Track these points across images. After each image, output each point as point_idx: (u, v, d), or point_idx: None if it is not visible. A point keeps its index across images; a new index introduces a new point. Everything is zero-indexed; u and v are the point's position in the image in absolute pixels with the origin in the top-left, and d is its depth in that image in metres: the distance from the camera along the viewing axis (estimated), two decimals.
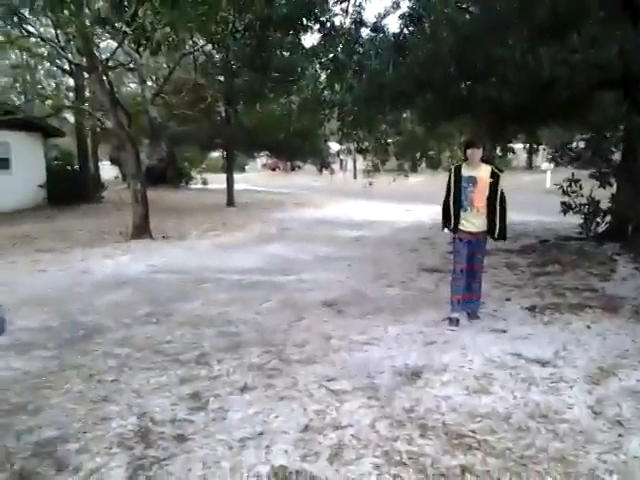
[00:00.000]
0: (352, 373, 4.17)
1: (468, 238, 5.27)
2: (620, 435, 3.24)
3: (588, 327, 5.19)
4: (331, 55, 7.30)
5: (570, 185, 7.56)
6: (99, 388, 3.96)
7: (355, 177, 37.86)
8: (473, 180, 5.17)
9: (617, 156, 8.65)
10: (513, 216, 13.84)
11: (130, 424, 3.42)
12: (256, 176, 45.08)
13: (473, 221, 5.24)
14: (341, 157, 43.82)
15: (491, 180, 5.19)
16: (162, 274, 7.93)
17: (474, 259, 5.35)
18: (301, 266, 8.45)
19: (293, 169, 47.11)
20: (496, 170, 5.27)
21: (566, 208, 7.61)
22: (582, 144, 7.86)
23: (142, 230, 11.30)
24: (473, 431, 3.29)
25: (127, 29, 5.97)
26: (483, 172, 5.22)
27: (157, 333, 5.19)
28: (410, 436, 3.23)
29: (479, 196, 5.18)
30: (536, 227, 11.84)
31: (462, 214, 5.23)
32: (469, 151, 5.21)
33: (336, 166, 44.96)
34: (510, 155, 11.03)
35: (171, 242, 11.16)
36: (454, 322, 5.27)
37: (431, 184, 29.70)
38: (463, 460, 2.98)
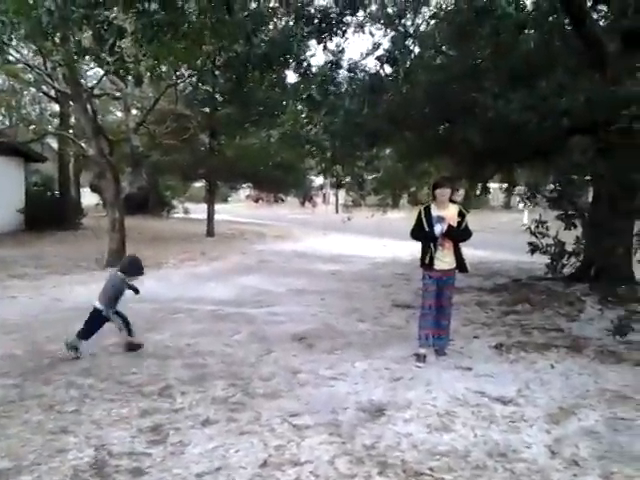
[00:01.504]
0: (316, 408, 4.17)
1: (438, 275, 5.38)
2: (575, 475, 3.28)
3: (552, 366, 5.26)
4: (307, 94, 7.47)
5: (537, 226, 7.74)
6: (58, 419, 3.91)
7: (337, 211, 38.10)
8: (442, 220, 5.29)
9: (587, 199, 8.92)
10: (489, 255, 14.14)
11: (86, 456, 3.38)
12: (239, 207, 45.23)
13: (443, 259, 5.36)
14: (324, 191, 44.23)
15: (459, 219, 5.33)
16: (134, 303, 7.86)
17: (443, 295, 5.44)
18: (275, 298, 8.47)
19: (276, 201, 47.29)
20: (463, 210, 5.44)
21: (533, 248, 7.77)
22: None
23: (118, 258, 11.18)
24: (431, 469, 3.30)
25: (109, 59, 6.07)
26: (451, 211, 5.37)
27: (123, 364, 5.14)
28: (369, 473, 3.24)
29: (448, 235, 5.33)
30: (510, 266, 12.01)
31: (431, 253, 5.36)
32: (438, 191, 5.35)
33: (319, 199, 45.32)
34: (485, 195, 11.19)
35: (146, 271, 11.03)
36: (421, 358, 5.32)
37: (410, 220, 29.93)
38: None
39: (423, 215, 5.40)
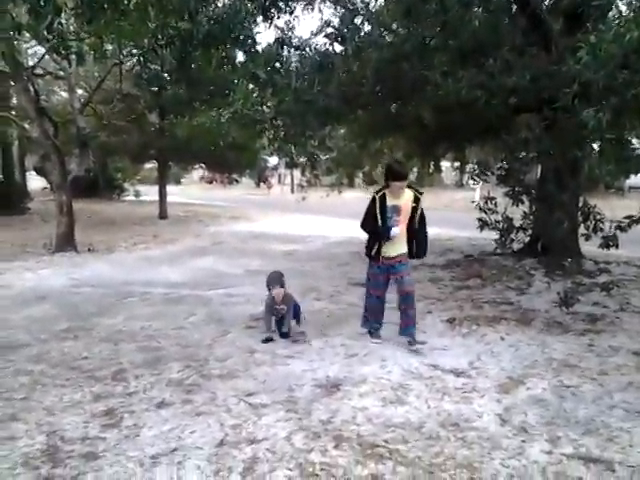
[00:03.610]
0: (272, 387, 4.19)
1: (389, 263, 5.15)
2: (523, 441, 3.40)
3: (502, 339, 5.43)
4: (252, 73, 7.35)
5: (486, 203, 7.91)
6: (7, 406, 3.81)
7: (293, 191, 38.00)
8: (397, 209, 5.03)
9: (535, 175, 9.16)
10: (441, 232, 14.38)
11: (38, 443, 3.32)
12: (192, 189, 44.53)
13: (394, 246, 5.12)
14: (279, 171, 43.98)
15: (414, 205, 5.08)
16: (85, 288, 7.71)
17: (403, 282, 5.12)
18: (231, 280, 8.41)
19: (230, 182, 46.79)
20: (417, 194, 5.13)
21: (482, 224, 7.95)
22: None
23: (67, 243, 10.94)
24: (386, 441, 3.37)
25: (48, 36, 5.79)
26: (406, 198, 5.07)
27: (74, 349, 5.03)
28: (325, 447, 3.28)
29: (402, 224, 5.08)
30: (462, 243, 12.24)
31: (383, 242, 5.11)
32: (397, 184, 4.97)
33: (274, 180, 45.06)
34: (438, 173, 11.37)
35: (97, 255, 10.85)
36: (376, 335, 5.35)
37: (366, 200, 30.14)
38: (374, 470, 3.05)
39: (378, 205, 5.04)
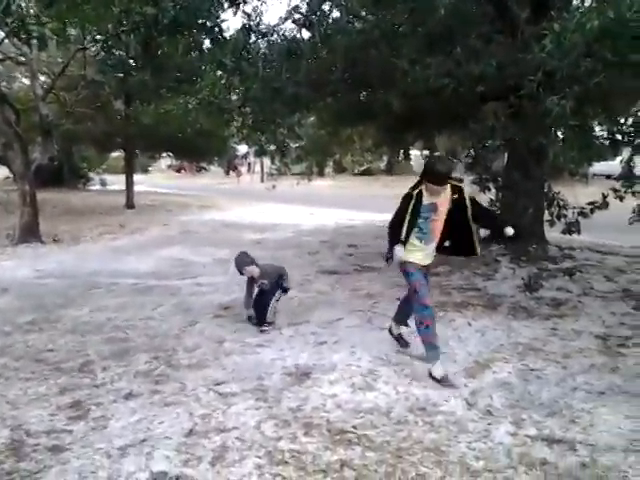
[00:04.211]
0: (242, 376, 4.19)
1: (424, 270, 4.35)
2: (489, 424, 3.47)
3: (469, 324, 5.51)
4: (218, 60, 7.25)
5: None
6: None
7: (262, 180, 37.81)
8: (434, 207, 4.15)
9: (501, 163, 9.27)
10: None
11: (2, 437, 3.26)
12: (160, 177, 43.95)
13: (428, 254, 4.31)
14: (248, 159, 43.62)
15: (455, 197, 4.21)
16: (50, 279, 7.56)
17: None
18: (200, 269, 8.35)
19: (199, 170, 46.28)
20: (456, 183, 4.27)
21: None
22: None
23: (31, 233, 10.69)
24: (355, 427, 3.40)
25: (7, 20, 5.59)
26: (445, 193, 4.18)
27: (39, 341, 4.94)
28: (294, 435, 3.30)
29: (439, 224, 4.23)
30: None
31: (418, 247, 4.21)
32: (437, 188, 4.08)
33: (243, 168, 44.70)
34: (407, 161, 11.43)
35: (63, 246, 10.65)
36: (447, 382, 4.05)
37: (337, 188, 30.34)
38: (343, 455, 3.08)
39: (412, 204, 4.11)
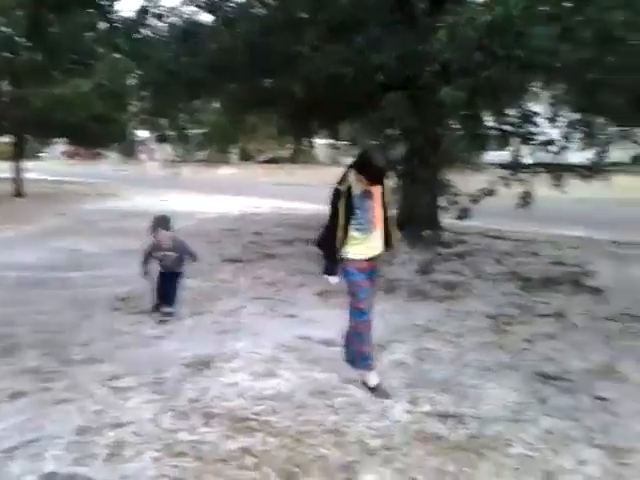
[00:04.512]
0: (139, 369, 4.06)
1: (369, 268, 3.87)
2: (387, 403, 3.59)
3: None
4: (112, 41, 6.94)
5: None
6: None
7: (165, 167, 36.65)
8: (369, 194, 3.73)
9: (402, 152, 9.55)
10: (318, 208, 14.58)
11: None
12: (54, 164, 41.47)
13: (374, 243, 3.83)
14: (149, 146, 42.10)
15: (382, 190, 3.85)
16: None
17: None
18: (97, 261, 8.00)
19: (96, 157, 44.09)
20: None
21: None
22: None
23: None
24: (256, 413, 3.40)
25: None
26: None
27: None
28: (193, 426, 3.25)
29: (378, 210, 3.81)
30: None
31: (359, 239, 3.75)
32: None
33: (144, 155, 43.08)
34: (311, 149, 11.48)
35: None
36: (380, 392, 3.72)
37: (241, 176, 30.03)
38: (244, 443, 3.07)
39: (344, 199, 3.66)
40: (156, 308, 5.29)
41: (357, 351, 3.87)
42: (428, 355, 4.43)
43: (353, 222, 3.70)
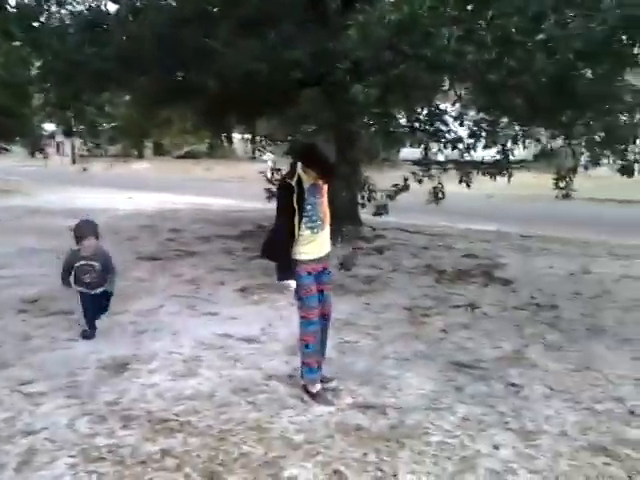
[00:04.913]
0: (52, 373, 3.88)
1: (319, 268, 3.67)
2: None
3: (292, 304, 5.66)
4: (3, 29, 6.53)
5: (273, 174, 8.17)
6: None
7: (74, 162, 35.01)
8: (317, 188, 3.54)
9: None
10: (235, 204, 14.51)
11: None
12: None
13: (324, 241, 3.67)
14: (57, 139, 40.03)
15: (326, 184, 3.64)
16: None
17: (327, 298, 3.81)
18: (1, 261, 7.52)
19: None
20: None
21: (270, 195, 8.20)
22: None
23: None
24: (177, 414, 3.35)
25: None
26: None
27: None
28: (111, 429, 3.15)
29: (325, 204, 3.66)
30: (255, 214, 12.45)
31: (309, 237, 3.54)
32: (320, 177, 3.46)
33: (52, 149, 40.92)
34: (229, 145, 11.34)
35: None
36: (322, 398, 3.58)
37: (156, 171, 29.17)
38: (164, 444, 3.01)
39: (296, 194, 3.41)
40: (87, 335, 4.62)
41: (302, 362, 3.68)
42: (348, 348, 4.52)
43: (304, 219, 3.48)
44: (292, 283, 3.56)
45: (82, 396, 3.55)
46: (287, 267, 3.54)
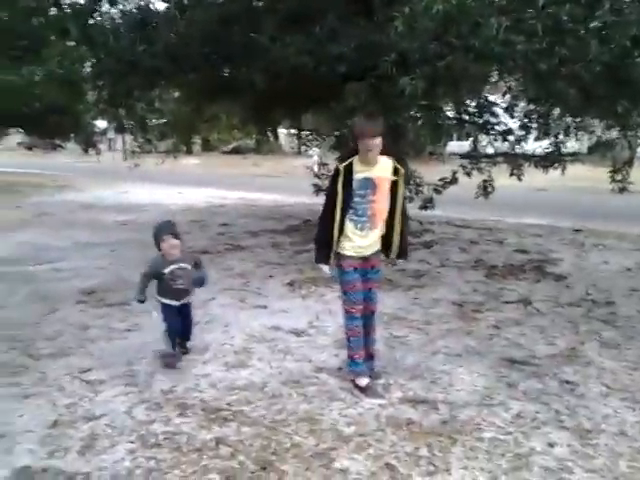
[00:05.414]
0: (110, 362, 4.02)
1: (366, 266, 3.62)
2: None
3: (339, 297, 5.69)
4: (62, 28, 6.72)
5: (319, 169, 8.17)
6: None
7: (125, 158, 35.89)
8: (371, 184, 3.41)
9: None
10: (282, 198, 14.61)
11: None
12: (10, 156, 40.17)
13: (369, 241, 3.56)
14: (109, 136, 41.14)
15: (394, 179, 3.49)
16: None
17: (370, 297, 3.71)
18: (59, 254, 7.81)
19: (54, 148, 42.86)
20: (399, 165, 3.50)
21: (317, 190, 8.21)
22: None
23: None
24: (229, 404, 3.42)
25: None
26: (383, 170, 3.44)
27: None
28: (167, 417, 3.25)
29: (381, 206, 3.50)
30: (301, 209, 12.54)
31: (353, 233, 3.48)
32: (366, 142, 3.27)
33: (104, 146, 42.11)
34: (275, 140, 11.41)
35: None
36: (371, 392, 3.56)
37: (205, 166, 29.67)
38: (218, 433, 3.08)
39: (341, 178, 3.37)
40: (175, 357, 4.03)
41: (347, 355, 3.72)
42: (398, 342, 4.50)
43: (350, 210, 3.42)
44: (325, 268, 3.60)
45: (139, 384, 3.66)
46: (322, 250, 3.56)
